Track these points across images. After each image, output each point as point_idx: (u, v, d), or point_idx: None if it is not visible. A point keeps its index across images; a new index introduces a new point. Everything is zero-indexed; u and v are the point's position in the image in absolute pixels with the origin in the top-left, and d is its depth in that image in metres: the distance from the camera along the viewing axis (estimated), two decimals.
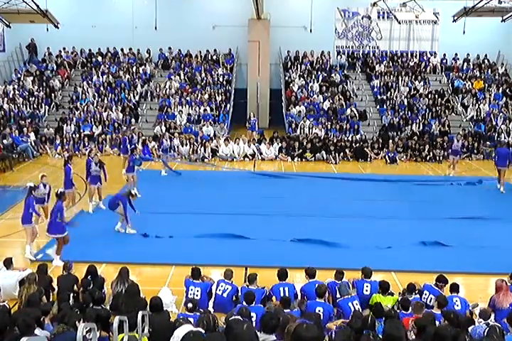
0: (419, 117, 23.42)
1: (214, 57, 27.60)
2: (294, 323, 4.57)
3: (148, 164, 19.04)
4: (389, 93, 25.27)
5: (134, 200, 11.84)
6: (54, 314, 6.86)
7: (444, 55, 27.62)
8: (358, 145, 21.17)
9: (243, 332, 4.29)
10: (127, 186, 14.81)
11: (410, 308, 7.19)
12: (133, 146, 17.38)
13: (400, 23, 26.31)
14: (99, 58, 27.27)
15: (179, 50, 27.69)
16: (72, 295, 7.77)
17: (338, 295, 7.98)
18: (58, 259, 9.92)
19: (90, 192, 13.70)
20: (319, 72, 26.47)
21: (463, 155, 21.13)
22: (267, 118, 26.67)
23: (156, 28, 25.57)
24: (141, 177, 16.29)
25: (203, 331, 5.37)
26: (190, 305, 7.08)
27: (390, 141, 21.50)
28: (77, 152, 20.66)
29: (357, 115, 23.48)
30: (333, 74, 26.22)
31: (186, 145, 20.64)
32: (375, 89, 25.64)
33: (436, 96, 24.81)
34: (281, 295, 7.86)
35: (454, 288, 7.80)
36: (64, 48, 27.31)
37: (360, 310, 7.36)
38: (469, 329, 6.37)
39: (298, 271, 9.20)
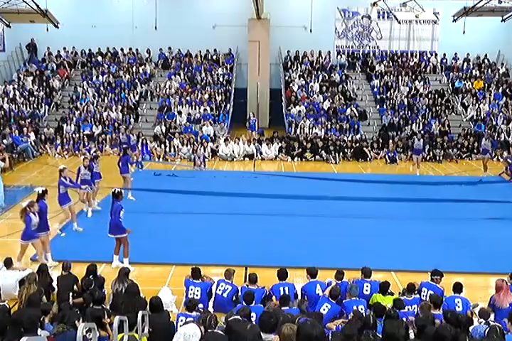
0: (419, 117, 23.42)
1: (214, 57, 27.61)
2: (289, 324, 4.54)
3: (149, 164, 19.06)
4: (389, 93, 25.29)
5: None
6: (54, 314, 6.86)
7: (444, 54, 27.63)
8: (357, 145, 21.17)
9: (246, 332, 4.30)
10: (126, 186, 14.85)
11: (416, 309, 7.19)
12: (125, 146, 17.37)
13: (399, 22, 26.31)
14: (99, 58, 27.28)
15: (179, 50, 27.70)
16: (72, 295, 7.78)
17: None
18: (126, 261, 9.87)
19: (81, 196, 13.03)
20: (319, 72, 26.48)
21: (463, 155, 21.28)
22: (267, 118, 26.68)
23: (156, 28, 25.56)
24: (141, 177, 16.34)
25: (198, 330, 5.38)
26: (189, 304, 7.09)
27: (390, 140, 21.52)
28: (77, 152, 20.72)
29: (357, 115, 23.48)
30: (333, 74, 26.23)
31: (186, 145, 20.66)
32: (375, 89, 25.65)
33: (436, 96, 24.82)
34: None
35: (457, 288, 7.71)
36: (64, 48, 27.34)
37: (365, 314, 7.34)
38: (470, 329, 6.36)
39: (298, 270, 9.20)
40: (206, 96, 24.61)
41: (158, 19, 25.58)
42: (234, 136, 22.20)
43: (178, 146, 20.72)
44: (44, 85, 25.08)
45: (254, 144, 21.13)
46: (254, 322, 6.47)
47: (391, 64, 27.21)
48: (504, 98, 24.79)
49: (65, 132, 21.81)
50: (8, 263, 8.77)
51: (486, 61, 27.74)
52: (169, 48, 27.62)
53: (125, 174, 14.79)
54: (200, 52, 27.65)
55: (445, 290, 8.03)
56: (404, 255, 10.61)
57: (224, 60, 27.44)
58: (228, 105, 24.68)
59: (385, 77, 26.23)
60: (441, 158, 20.77)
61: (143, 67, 26.55)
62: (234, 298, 8.09)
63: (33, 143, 20.58)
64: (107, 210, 12.15)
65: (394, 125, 23.04)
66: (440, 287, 8.02)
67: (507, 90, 25.29)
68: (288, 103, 24.48)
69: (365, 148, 21.07)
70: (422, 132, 21.72)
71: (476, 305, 7.84)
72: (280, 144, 21.15)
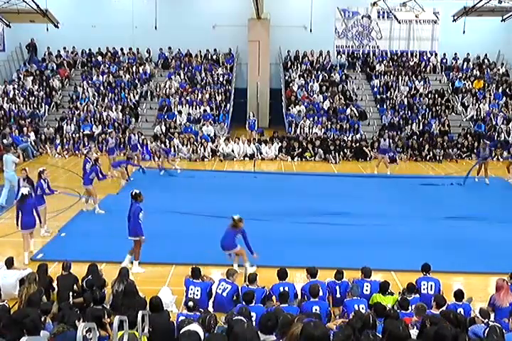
0: (419, 117, 23.42)
1: (214, 57, 27.61)
2: (298, 325, 4.55)
3: (148, 164, 19.04)
4: (389, 93, 25.28)
5: None
6: (54, 314, 6.86)
7: (444, 54, 27.63)
8: (357, 144, 21.17)
9: (244, 331, 4.29)
10: (125, 181, 15.16)
11: (411, 309, 7.20)
12: (129, 156, 17.70)
13: (399, 22, 26.30)
14: (99, 58, 27.28)
15: (179, 50, 27.70)
16: (72, 294, 7.77)
17: (338, 295, 8.05)
18: (137, 265, 9.79)
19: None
20: (319, 72, 26.48)
21: (463, 155, 21.28)
22: (266, 118, 26.67)
23: (156, 27, 25.59)
24: (141, 177, 16.34)
25: (201, 331, 5.37)
26: (190, 304, 7.09)
27: (390, 140, 21.48)
28: (77, 152, 20.72)
29: (357, 115, 23.48)
30: (333, 74, 26.22)
31: (186, 145, 20.67)
32: (375, 89, 25.64)
33: (436, 95, 24.81)
34: None
35: (459, 296, 7.52)
36: (64, 48, 27.35)
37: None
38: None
39: (298, 270, 9.21)
40: (206, 96, 24.61)
41: (158, 19, 25.60)
42: (234, 135, 22.20)
43: (178, 146, 20.71)
44: (44, 85, 25.08)
45: (254, 144, 21.14)
46: (254, 322, 6.48)
47: (391, 64, 27.21)
48: (504, 98, 24.79)
49: (65, 132, 21.81)
50: (9, 263, 8.78)
51: (486, 61, 27.74)
52: (169, 48, 27.62)
53: (115, 168, 16.08)
54: (200, 52, 27.65)
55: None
56: (404, 255, 10.59)
57: (224, 59, 27.44)
58: (228, 105, 24.67)
59: (385, 76, 26.23)
60: (441, 158, 20.77)
61: (143, 67, 26.55)
62: (234, 297, 8.10)
63: (33, 143, 20.58)
64: (108, 212, 12.17)
65: (394, 125, 23.03)
66: (435, 278, 8.24)
67: (507, 90, 25.29)
68: (288, 103, 24.48)
69: (365, 148, 21.06)
70: (392, 132, 21.68)
71: (470, 300, 7.84)
72: (280, 144, 21.16)
